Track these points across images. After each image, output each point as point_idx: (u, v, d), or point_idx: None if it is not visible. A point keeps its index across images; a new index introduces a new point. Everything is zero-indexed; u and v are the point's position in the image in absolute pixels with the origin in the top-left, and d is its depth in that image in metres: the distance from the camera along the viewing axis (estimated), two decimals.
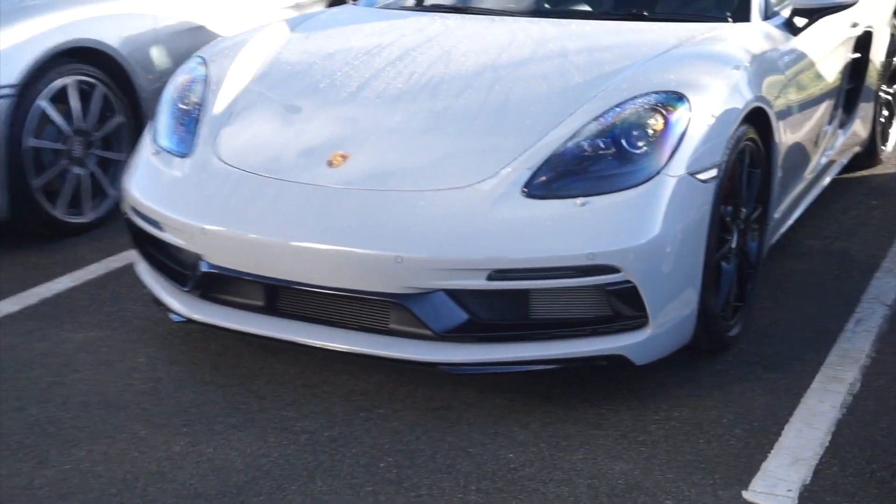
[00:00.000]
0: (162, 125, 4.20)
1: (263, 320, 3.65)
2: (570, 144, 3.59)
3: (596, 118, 3.66)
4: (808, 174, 4.99)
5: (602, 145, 3.59)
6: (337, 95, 4.12)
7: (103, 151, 5.45)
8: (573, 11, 4.91)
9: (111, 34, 5.50)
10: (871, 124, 6.04)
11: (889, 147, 6.51)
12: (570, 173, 3.54)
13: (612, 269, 3.36)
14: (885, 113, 6.37)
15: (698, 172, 3.57)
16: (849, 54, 5.46)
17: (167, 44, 5.83)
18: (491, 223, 3.41)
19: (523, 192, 3.47)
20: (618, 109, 3.67)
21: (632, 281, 3.38)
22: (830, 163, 5.45)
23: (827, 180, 5.45)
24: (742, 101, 3.88)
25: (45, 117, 5.14)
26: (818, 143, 5.10)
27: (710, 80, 3.87)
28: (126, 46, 5.56)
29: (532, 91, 3.96)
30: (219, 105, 4.16)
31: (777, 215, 4.48)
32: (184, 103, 4.24)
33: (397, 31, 4.74)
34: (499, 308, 3.45)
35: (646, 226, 3.41)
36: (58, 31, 5.24)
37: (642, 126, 3.61)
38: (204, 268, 3.67)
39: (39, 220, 5.19)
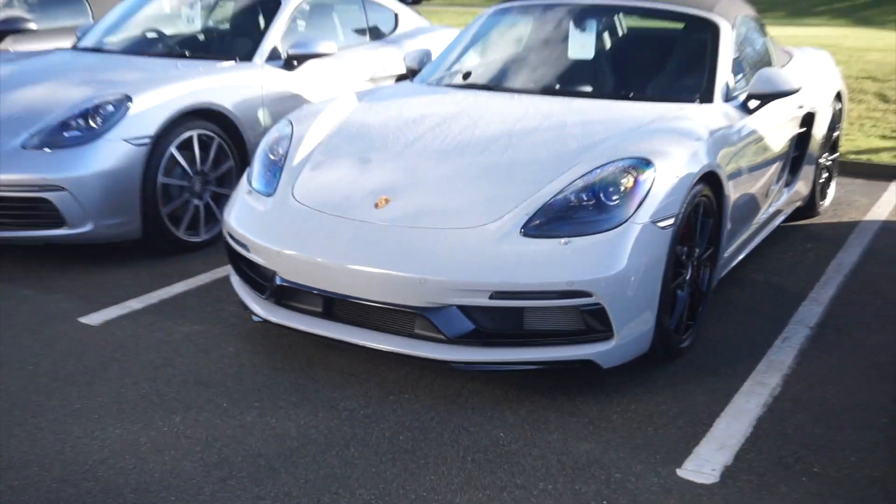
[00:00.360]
0: (255, 171, 4.27)
1: (322, 323, 3.71)
2: (559, 197, 3.63)
3: (581, 176, 3.69)
4: (755, 223, 4.95)
5: (585, 198, 3.62)
6: (388, 153, 4.17)
7: (217, 188, 5.54)
8: (576, 91, 4.92)
9: (227, 99, 5.60)
10: (811, 184, 5.98)
11: (826, 202, 6.43)
12: (558, 219, 3.57)
13: (586, 294, 3.39)
14: (826, 174, 6.30)
15: (659, 221, 3.59)
16: (796, 129, 5.42)
17: (270, 107, 5.91)
18: (494, 256, 3.45)
19: (521, 232, 3.52)
20: (598, 171, 3.70)
21: (601, 303, 3.41)
22: (776, 213, 5.40)
23: (773, 226, 5.41)
24: (698, 165, 3.88)
25: (173, 160, 5.24)
26: (767, 196, 5.08)
27: (674, 149, 3.88)
28: (238, 108, 5.66)
29: (535, 154, 3.98)
30: (298, 157, 4.21)
31: (726, 255, 4.45)
32: (273, 154, 4.31)
33: (439, 103, 4.79)
34: (498, 320, 3.47)
35: (614, 261, 3.44)
36: (188, 96, 5.36)
37: (616, 184, 3.64)
38: (278, 281, 3.75)
39: (165, 239, 5.29)
